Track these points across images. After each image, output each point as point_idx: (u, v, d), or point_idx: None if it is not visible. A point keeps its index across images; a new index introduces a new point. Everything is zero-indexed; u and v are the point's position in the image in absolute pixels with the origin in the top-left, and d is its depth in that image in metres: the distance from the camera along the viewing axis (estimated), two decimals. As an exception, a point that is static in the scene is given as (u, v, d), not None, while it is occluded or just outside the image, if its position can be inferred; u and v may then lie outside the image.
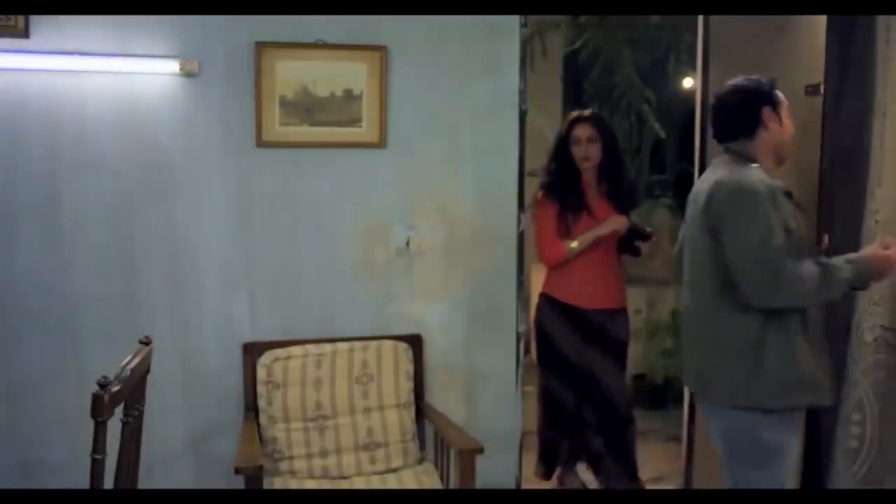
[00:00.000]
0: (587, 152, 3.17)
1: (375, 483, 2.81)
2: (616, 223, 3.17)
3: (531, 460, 3.35)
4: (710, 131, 3.07)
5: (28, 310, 2.81)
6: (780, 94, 2.33)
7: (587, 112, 3.26)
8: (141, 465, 2.14)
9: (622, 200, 3.25)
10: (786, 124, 2.33)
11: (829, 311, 2.64)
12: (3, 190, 2.76)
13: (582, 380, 3.18)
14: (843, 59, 2.62)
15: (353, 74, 2.95)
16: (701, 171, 3.25)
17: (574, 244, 3.15)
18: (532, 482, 3.34)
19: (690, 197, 2.39)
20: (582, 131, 3.18)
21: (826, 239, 2.66)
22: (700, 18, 3.28)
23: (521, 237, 3.17)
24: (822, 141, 2.69)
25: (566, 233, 3.16)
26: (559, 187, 3.20)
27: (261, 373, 2.86)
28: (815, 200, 2.71)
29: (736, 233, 2.16)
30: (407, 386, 2.99)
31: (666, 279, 5.14)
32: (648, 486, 3.42)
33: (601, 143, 3.17)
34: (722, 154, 2.36)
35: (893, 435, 2.48)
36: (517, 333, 3.21)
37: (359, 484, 2.80)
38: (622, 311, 3.27)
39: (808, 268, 2.14)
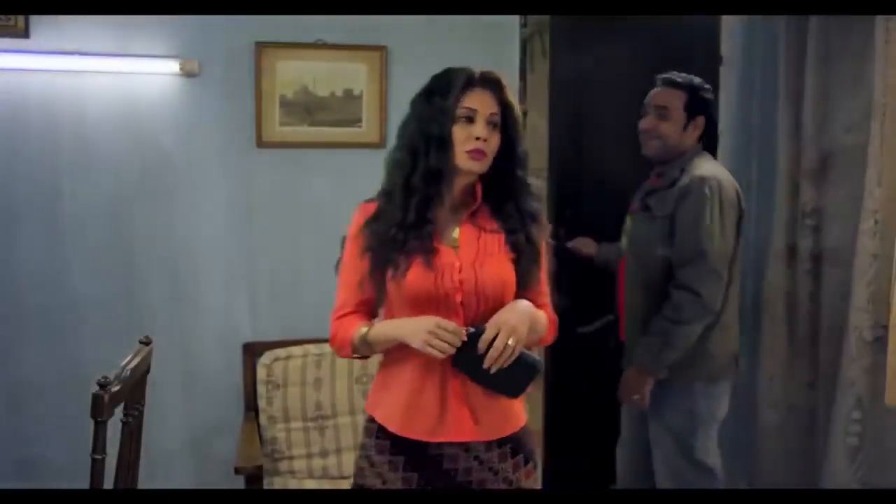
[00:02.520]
0: (484, 141, 1.66)
1: (375, 483, 2.81)
2: (417, 334, 1.61)
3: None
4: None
5: (28, 310, 2.81)
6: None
7: (491, 72, 1.71)
8: (141, 465, 2.14)
9: (523, 252, 1.72)
10: None
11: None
12: (3, 190, 2.76)
13: None
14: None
15: (353, 74, 2.95)
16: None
17: (365, 331, 1.71)
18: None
19: None
20: (479, 101, 1.68)
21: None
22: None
23: (520, 237, 3.17)
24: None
25: (375, 294, 1.76)
26: (388, 202, 1.78)
27: (261, 373, 2.86)
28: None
29: None
30: (407, 386, 2.98)
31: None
32: (648, 486, 3.41)
33: (503, 126, 1.69)
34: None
35: (894, 434, 2.49)
36: (517, 333, 3.21)
37: (359, 484, 2.80)
38: (504, 446, 1.72)
39: None
